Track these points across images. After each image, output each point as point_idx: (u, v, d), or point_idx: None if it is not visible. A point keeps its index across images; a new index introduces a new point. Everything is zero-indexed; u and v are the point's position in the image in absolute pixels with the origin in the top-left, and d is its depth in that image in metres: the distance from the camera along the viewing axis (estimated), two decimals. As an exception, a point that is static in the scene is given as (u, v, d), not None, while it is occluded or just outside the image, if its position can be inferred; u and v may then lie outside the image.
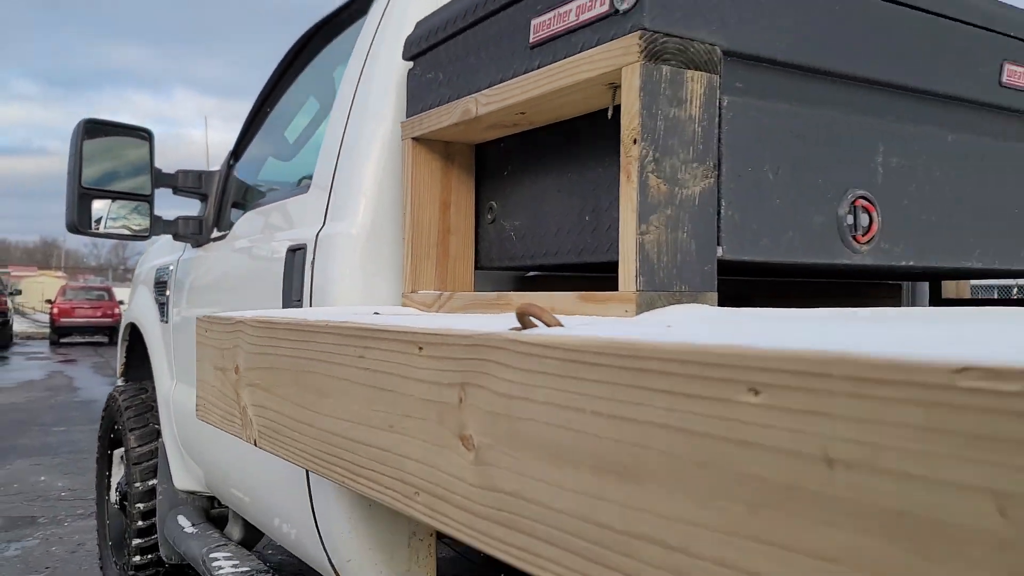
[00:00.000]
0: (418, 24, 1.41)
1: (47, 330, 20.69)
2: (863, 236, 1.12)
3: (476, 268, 1.44)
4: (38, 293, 33.11)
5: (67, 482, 4.89)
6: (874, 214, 1.13)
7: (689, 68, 0.96)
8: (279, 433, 1.00)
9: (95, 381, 10.92)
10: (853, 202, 1.11)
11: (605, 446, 0.51)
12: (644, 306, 0.93)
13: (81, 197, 2.00)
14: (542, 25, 1.08)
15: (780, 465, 0.41)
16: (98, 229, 2.06)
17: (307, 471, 1.54)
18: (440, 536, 1.83)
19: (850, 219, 1.11)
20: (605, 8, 0.97)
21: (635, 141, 0.93)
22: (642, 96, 0.92)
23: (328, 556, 1.53)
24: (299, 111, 2.07)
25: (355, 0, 1.78)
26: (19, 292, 27.71)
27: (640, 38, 0.92)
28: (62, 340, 19.45)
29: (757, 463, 0.42)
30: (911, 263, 1.17)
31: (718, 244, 0.99)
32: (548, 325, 0.64)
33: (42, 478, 5.00)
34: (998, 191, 1.27)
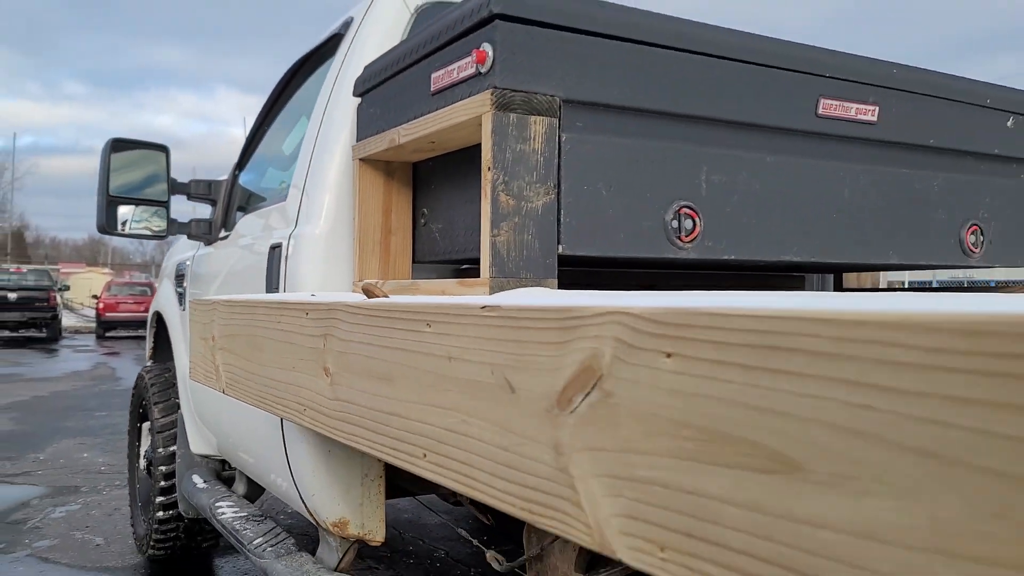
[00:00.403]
0: (365, 68, 1.76)
1: (94, 324, 21.51)
2: (687, 236, 1.45)
3: (414, 262, 1.79)
4: (85, 289, 34.20)
5: (107, 459, 5.38)
6: (697, 219, 1.46)
7: (533, 114, 1.30)
8: (238, 382, 1.37)
9: (136, 372, 11.50)
10: (678, 210, 1.44)
11: (379, 363, 0.87)
12: (496, 288, 1.28)
13: (109, 203, 2.41)
14: (438, 79, 1.43)
15: (436, 363, 0.76)
16: (124, 230, 2.46)
17: (281, 423, 1.92)
18: (405, 491, 2.19)
19: (675, 223, 1.44)
20: (472, 70, 1.32)
21: (489, 168, 1.27)
22: (493, 136, 1.27)
23: (300, 495, 1.90)
24: (290, 129, 2.45)
25: (329, 41, 2.15)
26: (67, 288, 28.75)
27: (492, 94, 1.27)
28: (107, 334, 20.22)
29: (431, 364, 0.77)
30: (733, 257, 1.50)
31: (559, 243, 1.33)
32: (377, 296, 0.99)
33: (84, 455, 5.49)
34: (814, 199, 1.59)
